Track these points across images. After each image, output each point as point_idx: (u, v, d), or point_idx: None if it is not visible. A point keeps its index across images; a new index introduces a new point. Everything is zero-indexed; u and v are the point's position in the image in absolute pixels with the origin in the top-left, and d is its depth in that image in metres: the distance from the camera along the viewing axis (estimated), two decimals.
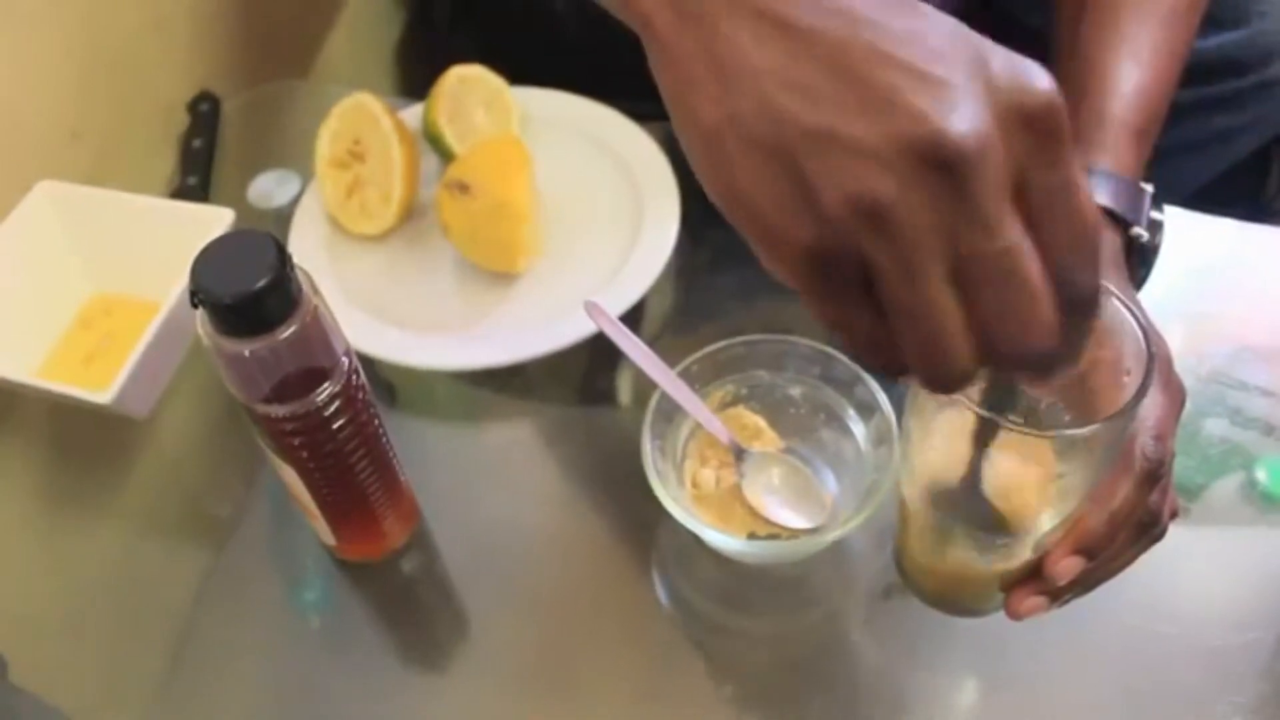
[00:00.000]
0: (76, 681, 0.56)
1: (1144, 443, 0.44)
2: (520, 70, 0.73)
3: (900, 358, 0.32)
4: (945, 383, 0.32)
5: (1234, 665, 0.52)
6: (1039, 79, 0.31)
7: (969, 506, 0.44)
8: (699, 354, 0.56)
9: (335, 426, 0.48)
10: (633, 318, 0.63)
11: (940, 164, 0.29)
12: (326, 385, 0.46)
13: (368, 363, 0.61)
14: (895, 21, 0.31)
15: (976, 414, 0.38)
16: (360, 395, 0.48)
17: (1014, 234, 0.30)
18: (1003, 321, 0.30)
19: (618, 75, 0.73)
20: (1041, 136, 0.30)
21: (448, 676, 0.55)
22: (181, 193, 0.73)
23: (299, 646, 0.56)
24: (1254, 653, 0.52)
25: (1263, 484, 0.58)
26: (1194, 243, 0.66)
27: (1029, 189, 0.30)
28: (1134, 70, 0.57)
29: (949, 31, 0.31)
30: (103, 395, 0.56)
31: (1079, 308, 0.32)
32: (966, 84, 0.30)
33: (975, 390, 0.41)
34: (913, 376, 0.32)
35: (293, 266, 0.43)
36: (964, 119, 0.29)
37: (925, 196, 0.29)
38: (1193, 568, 0.56)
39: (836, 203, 0.30)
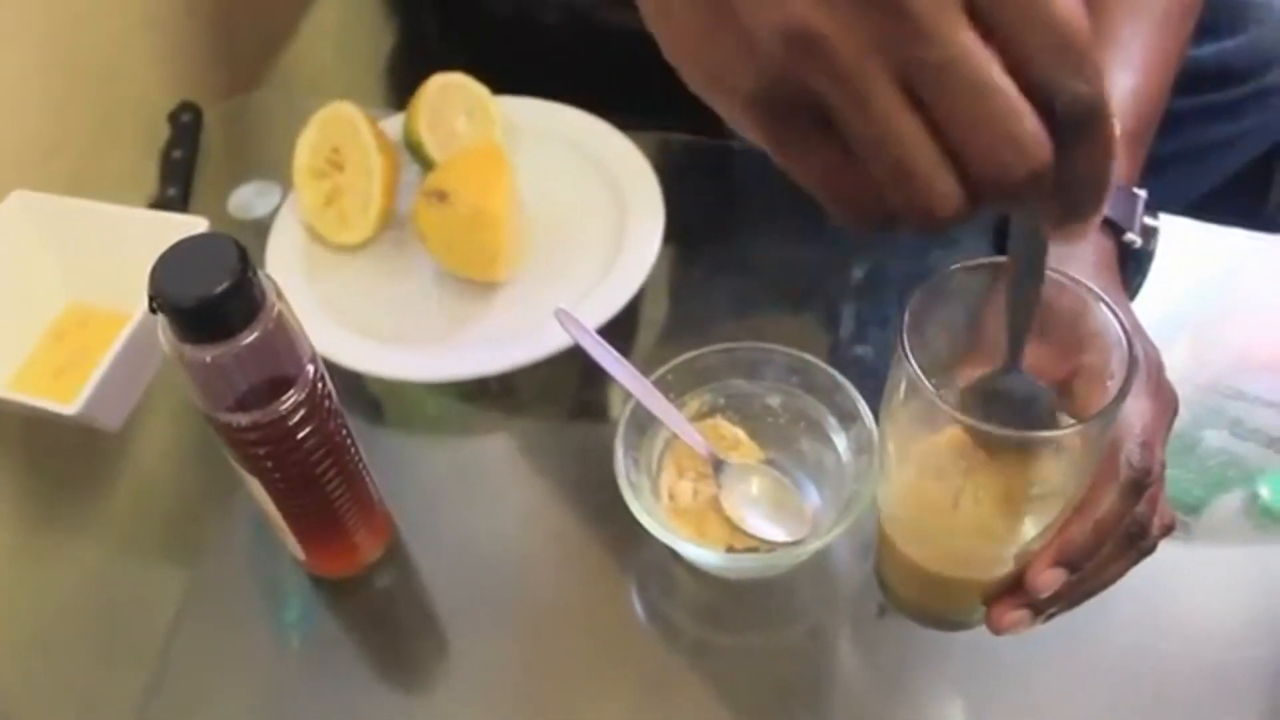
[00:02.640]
0: (49, 704, 0.55)
1: (1130, 450, 0.42)
2: (509, 81, 0.73)
3: (880, 203, 0.30)
4: (932, 216, 0.29)
5: (1235, 682, 0.50)
6: None
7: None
8: (674, 362, 0.55)
9: (300, 436, 0.46)
10: (619, 329, 0.62)
11: None
12: (291, 393, 0.45)
13: (345, 374, 0.60)
14: None
15: (953, 418, 0.37)
16: (327, 404, 0.47)
17: (959, 37, 0.27)
18: (976, 135, 0.28)
19: (606, 87, 0.73)
20: None
21: (426, 695, 0.54)
22: (161, 204, 0.72)
23: (278, 665, 0.55)
24: (1256, 670, 0.51)
25: (1265, 500, 0.56)
26: (1195, 252, 0.65)
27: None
28: (1127, 74, 0.56)
29: None
30: (69, 407, 0.55)
31: (1077, 119, 0.28)
32: None
33: (952, 395, 0.40)
34: (904, 224, 0.30)
35: (255, 270, 0.42)
36: None
37: (855, 14, 0.28)
38: (1192, 584, 0.54)
39: (770, 39, 0.29)
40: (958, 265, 0.40)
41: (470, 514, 0.59)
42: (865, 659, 0.53)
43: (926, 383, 0.37)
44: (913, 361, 0.38)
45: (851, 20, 0.28)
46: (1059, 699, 0.51)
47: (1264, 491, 0.56)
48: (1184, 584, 0.54)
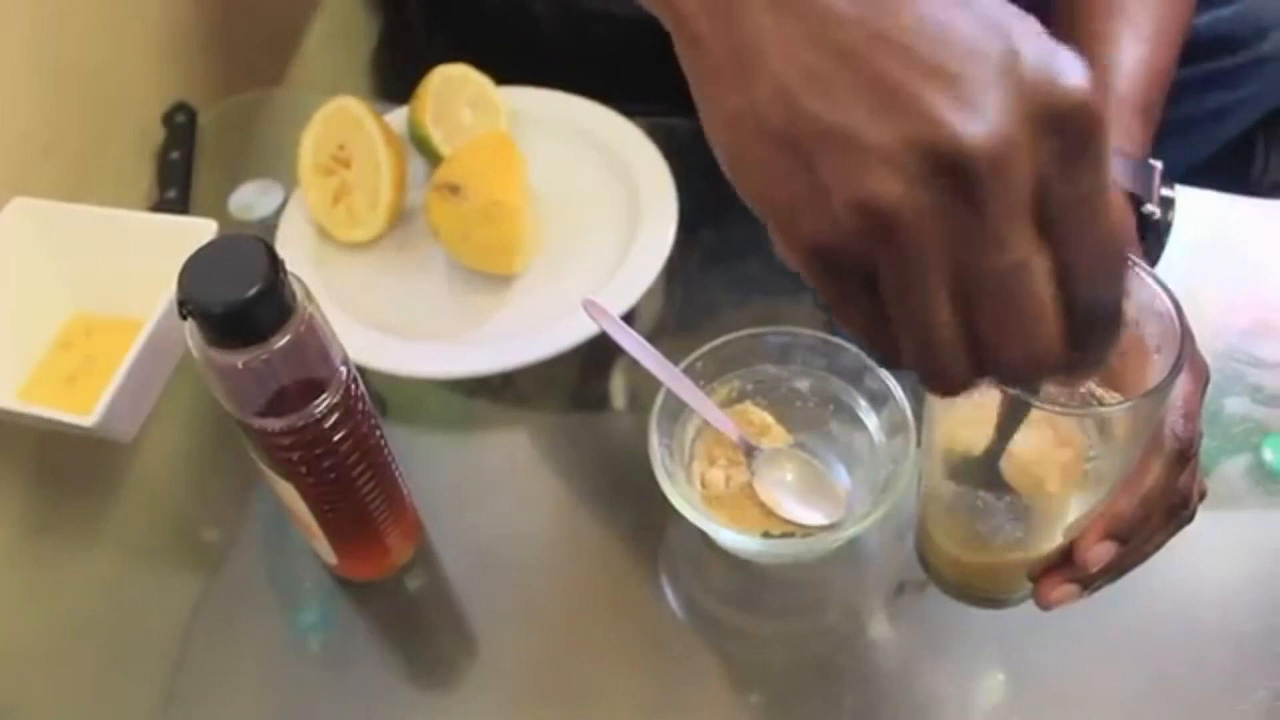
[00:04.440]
0: (64, 712, 0.54)
1: (1174, 422, 0.43)
2: (497, 74, 0.72)
3: (900, 354, 0.32)
4: (941, 388, 0.31)
5: (1269, 649, 0.51)
6: (1074, 75, 0.28)
7: (990, 488, 0.42)
8: (702, 350, 0.54)
9: (335, 440, 0.46)
10: (626, 318, 0.61)
11: (953, 171, 0.28)
12: (324, 397, 0.45)
13: (363, 373, 0.59)
14: (926, 7, 0.29)
15: (1005, 393, 0.37)
16: (360, 406, 0.47)
17: (1022, 251, 0.28)
18: (1002, 339, 0.30)
19: (598, 75, 0.72)
20: (1071, 141, 0.28)
21: (456, 695, 0.54)
22: (161, 207, 0.71)
23: (299, 671, 0.55)
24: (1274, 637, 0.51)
25: (1269, 463, 0.56)
26: (1197, 220, 0.65)
27: (1051, 198, 0.29)
28: (1136, 46, 0.56)
29: (983, 19, 0.29)
30: (86, 418, 0.54)
31: (1099, 325, 0.31)
32: (991, 82, 0.28)
33: None
34: (919, 378, 0.32)
35: (285, 272, 0.42)
36: (982, 122, 0.28)
37: (934, 205, 0.28)
38: (1215, 551, 0.54)
39: (845, 204, 0.29)
40: None
41: (494, 511, 0.59)
42: (905, 638, 0.53)
43: None
44: None
45: (929, 210, 0.28)
46: (1094, 670, 0.51)
47: (1268, 455, 0.57)
48: (1206, 550, 0.54)
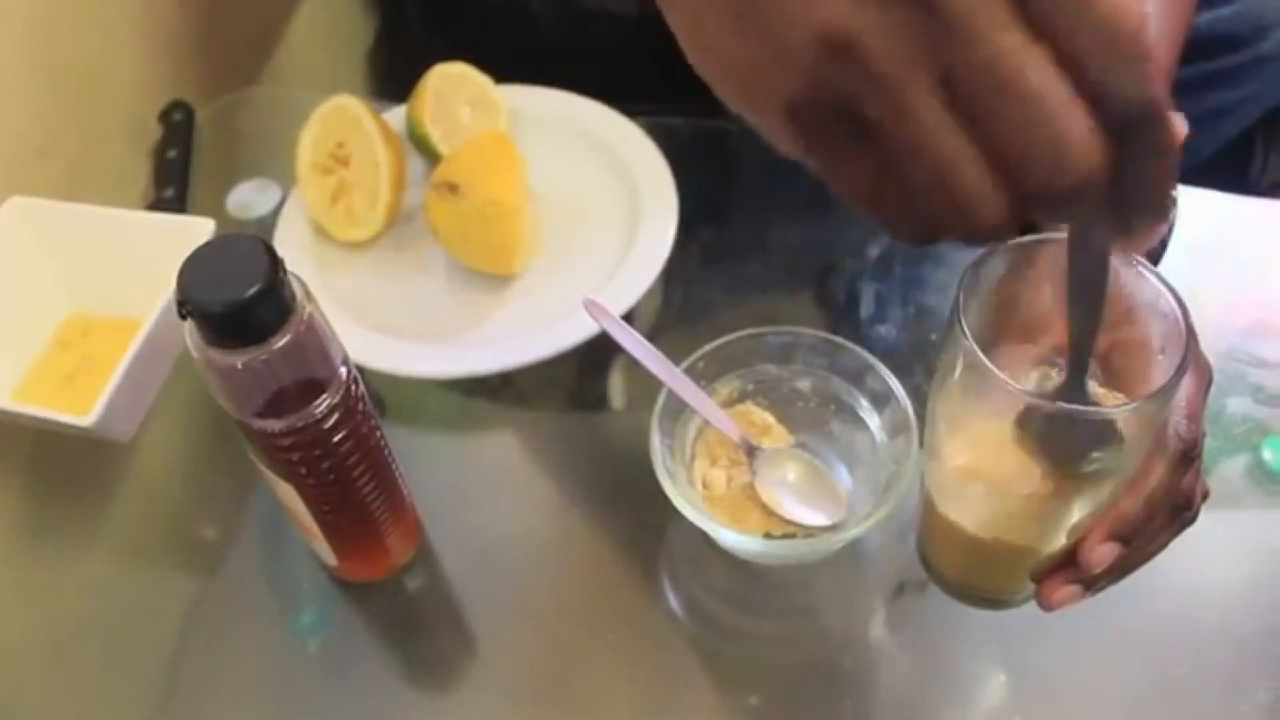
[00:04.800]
0: (61, 713, 0.54)
1: (1177, 423, 0.42)
2: (496, 73, 0.72)
3: (923, 214, 0.29)
4: (977, 225, 0.28)
5: (1270, 649, 0.51)
6: None
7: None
8: (704, 350, 0.54)
9: (335, 440, 0.45)
10: (626, 318, 0.61)
11: None
12: (324, 397, 0.44)
13: (360, 374, 0.59)
14: None
15: (1009, 390, 0.37)
16: (360, 407, 0.46)
17: (1002, 36, 0.26)
18: (1020, 140, 0.26)
19: (595, 76, 0.72)
20: None
21: (455, 696, 0.53)
22: (158, 206, 0.70)
23: (298, 672, 0.54)
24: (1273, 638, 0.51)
25: (1268, 463, 0.56)
26: (1196, 220, 0.65)
27: None
28: None
29: None
30: (84, 418, 0.53)
31: (1132, 121, 0.26)
32: None
33: (1006, 372, 0.40)
34: (948, 234, 0.29)
35: (285, 272, 0.41)
36: None
37: (890, 14, 0.27)
38: (1215, 551, 0.54)
39: (804, 44, 0.28)
40: (1008, 242, 0.40)
41: (494, 511, 0.59)
42: (907, 639, 0.53)
43: (989, 364, 0.37)
44: (971, 341, 0.37)
45: (886, 21, 0.27)
46: (1095, 671, 0.51)
47: (1266, 454, 0.57)
48: (1206, 551, 0.54)
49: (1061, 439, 0.39)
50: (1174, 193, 0.55)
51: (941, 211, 0.28)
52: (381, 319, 0.63)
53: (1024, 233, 0.53)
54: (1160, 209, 0.29)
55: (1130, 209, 0.29)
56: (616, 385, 0.64)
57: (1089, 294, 0.34)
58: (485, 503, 0.59)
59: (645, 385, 0.53)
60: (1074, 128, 0.26)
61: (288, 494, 0.48)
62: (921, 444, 0.49)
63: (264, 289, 0.40)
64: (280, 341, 0.41)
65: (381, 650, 0.55)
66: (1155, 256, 0.55)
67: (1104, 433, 0.38)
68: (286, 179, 0.70)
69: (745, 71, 0.30)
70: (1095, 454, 0.39)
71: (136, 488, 0.62)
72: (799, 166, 0.32)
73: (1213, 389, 0.46)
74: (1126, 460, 0.40)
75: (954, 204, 0.28)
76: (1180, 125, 0.28)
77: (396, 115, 0.70)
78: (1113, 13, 0.26)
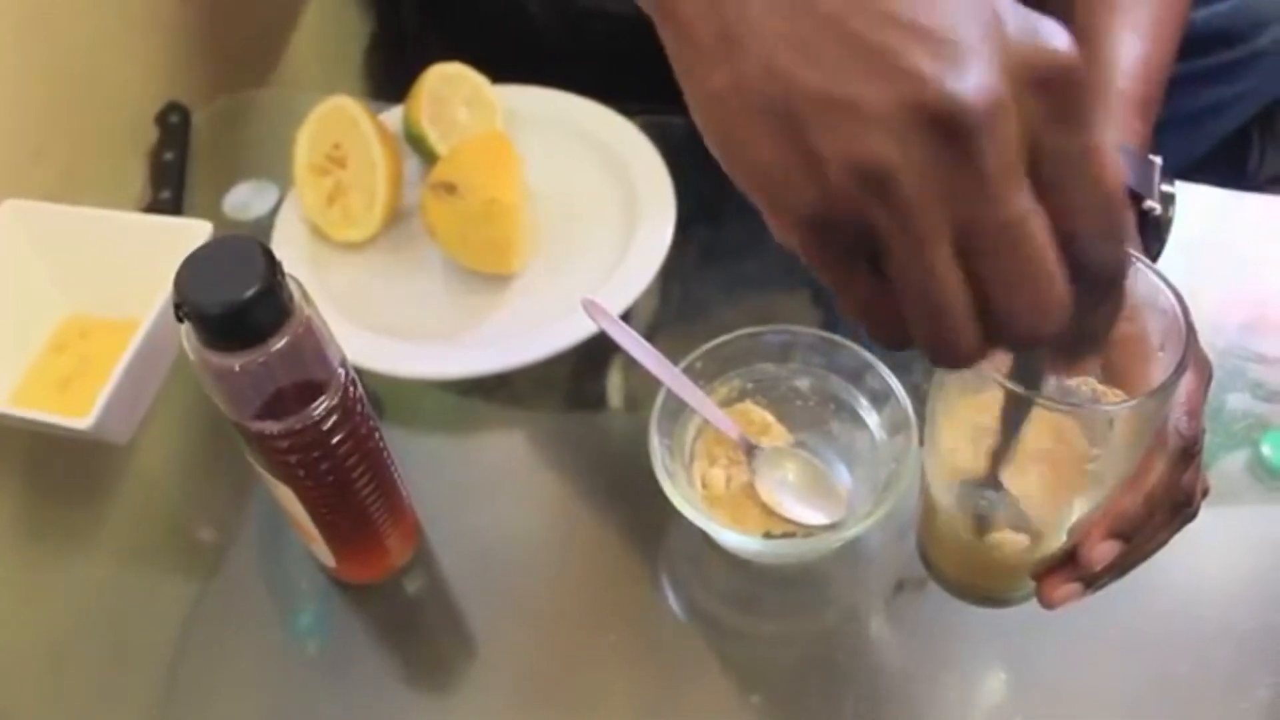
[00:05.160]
0: (59, 715, 0.54)
1: (1177, 420, 0.42)
2: (492, 73, 0.72)
3: (904, 330, 0.31)
4: (950, 359, 0.31)
5: (1270, 645, 0.51)
6: (1056, 37, 0.29)
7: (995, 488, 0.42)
8: (702, 349, 0.54)
9: (334, 442, 0.45)
10: (624, 317, 0.61)
11: (944, 127, 0.28)
12: (323, 399, 0.44)
13: (357, 374, 0.58)
14: None
15: (1008, 390, 0.37)
16: (359, 408, 0.46)
17: (1022, 202, 0.28)
18: (1009, 296, 0.29)
19: (592, 75, 0.72)
20: (1057, 98, 0.29)
21: (454, 697, 0.53)
22: (154, 208, 0.70)
23: (297, 674, 0.54)
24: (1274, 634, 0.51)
25: (1267, 457, 0.56)
26: (1194, 216, 0.65)
27: (1044, 155, 0.29)
28: (1135, 41, 0.56)
29: None
30: (82, 421, 0.53)
31: (1100, 284, 0.30)
32: (977, 43, 0.28)
33: (1004, 366, 0.40)
34: (916, 349, 0.31)
35: (283, 274, 0.41)
36: (970, 79, 0.28)
37: (929, 162, 0.28)
38: (1215, 548, 0.54)
39: (838, 168, 0.29)
40: None
41: (493, 512, 0.58)
42: (906, 638, 0.53)
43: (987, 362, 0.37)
44: None
45: (924, 166, 0.28)
46: (1096, 669, 0.51)
47: (1265, 450, 0.57)
48: (1206, 548, 0.54)
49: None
50: (1171, 189, 0.56)
51: (923, 337, 0.31)
52: (379, 320, 0.63)
53: None
54: (1100, 350, 0.36)
55: (1080, 347, 0.34)
56: (615, 385, 0.64)
57: (1017, 417, 0.37)
58: (484, 503, 0.59)
59: (644, 385, 0.53)
60: (1057, 290, 0.29)
61: (286, 496, 0.48)
62: (921, 442, 0.49)
63: (261, 291, 0.40)
64: (278, 343, 0.41)
65: (380, 651, 0.55)
66: (1154, 253, 0.55)
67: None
68: (283, 180, 0.69)
69: (771, 174, 0.31)
70: (1095, 451, 0.39)
71: (134, 490, 0.62)
72: None
73: (1212, 385, 0.46)
74: (1128, 455, 0.40)
75: (937, 337, 0.30)
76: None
77: (393, 116, 0.70)
78: (1107, 189, 0.29)
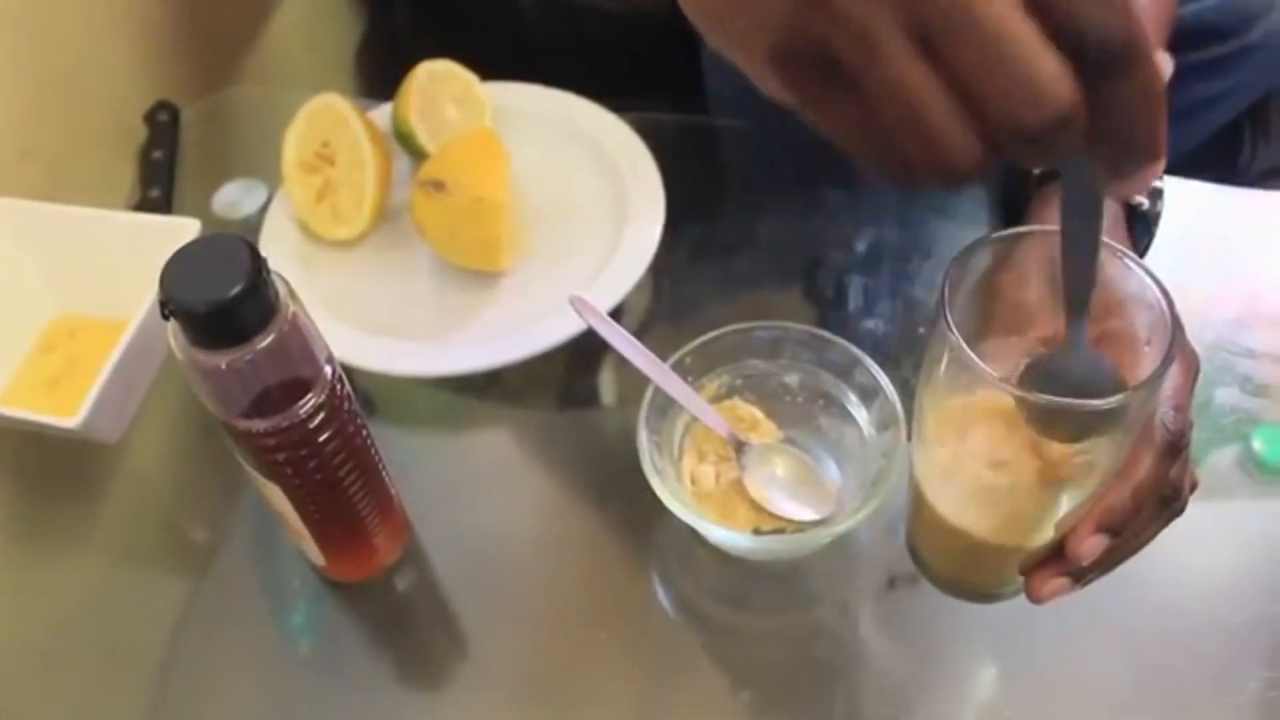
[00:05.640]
0: (53, 715, 0.54)
1: (1164, 414, 0.42)
2: (484, 71, 0.71)
3: (903, 154, 0.29)
4: (949, 169, 0.28)
5: (1261, 639, 0.51)
6: None
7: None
8: (691, 345, 0.54)
9: (321, 440, 0.45)
10: (613, 314, 0.61)
11: None
12: (310, 397, 0.44)
13: (348, 372, 0.58)
14: None
15: (996, 386, 0.37)
16: (346, 406, 0.46)
17: None
18: (989, 80, 0.27)
19: (582, 73, 0.72)
20: None
21: (445, 695, 0.53)
22: (143, 206, 0.70)
23: (288, 672, 0.54)
24: (1267, 627, 0.51)
25: (1258, 452, 0.56)
26: (1183, 210, 0.65)
27: None
28: None
29: None
30: (70, 421, 0.53)
31: (1107, 57, 0.27)
32: None
33: (1013, 375, 0.40)
34: (924, 176, 0.29)
35: (269, 271, 0.41)
36: None
37: None
38: (1205, 542, 0.54)
39: None
40: (993, 235, 0.40)
41: (482, 510, 0.58)
42: (897, 634, 0.53)
43: (976, 358, 0.37)
44: (957, 335, 0.37)
45: None
46: (1086, 662, 0.51)
47: (1257, 444, 0.57)
48: (1195, 542, 0.54)
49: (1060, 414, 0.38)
50: (1160, 184, 0.55)
51: (916, 152, 0.28)
52: (369, 317, 0.63)
53: (1009, 221, 0.53)
54: (1149, 151, 0.29)
55: (1116, 150, 0.29)
56: (604, 382, 0.64)
57: (1082, 237, 0.34)
58: (474, 501, 0.59)
59: (633, 382, 0.53)
60: (1042, 66, 0.26)
61: (274, 495, 0.48)
62: (910, 438, 0.49)
63: (246, 289, 0.40)
64: (264, 341, 0.41)
65: (372, 650, 0.55)
66: (1142, 248, 0.55)
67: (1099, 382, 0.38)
68: (273, 178, 0.69)
69: (730, 22, 0.32)
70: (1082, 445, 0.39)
71: (125, 489, 0.61)
72: (787, 161, 0.32)
73: (1201, 379, 0.46)
74: (1115, 449, 0.40)
75: (926, 144, 0.28)
76: (1166, 65, 0.28)
77: (382, 113, 0.70)
78: None
